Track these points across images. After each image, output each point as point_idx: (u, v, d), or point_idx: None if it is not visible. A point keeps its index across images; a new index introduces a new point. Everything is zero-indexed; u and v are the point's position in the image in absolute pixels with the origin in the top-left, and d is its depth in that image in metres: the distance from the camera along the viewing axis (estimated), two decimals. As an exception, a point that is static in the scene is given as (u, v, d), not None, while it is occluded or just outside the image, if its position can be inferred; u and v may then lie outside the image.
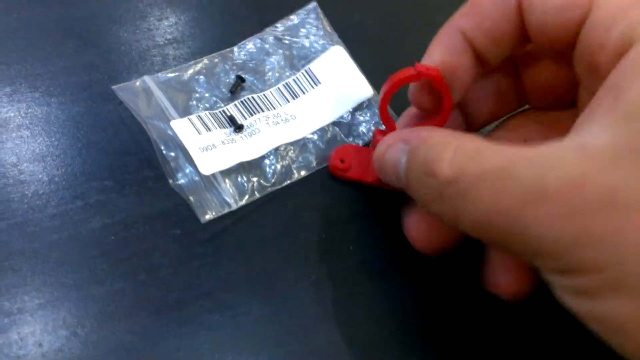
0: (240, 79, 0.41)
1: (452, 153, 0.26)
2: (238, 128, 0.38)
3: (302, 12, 0.45)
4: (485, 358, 0.34)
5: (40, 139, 0.37)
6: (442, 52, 0.31)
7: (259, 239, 0.36)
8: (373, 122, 0.41)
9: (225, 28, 0.44)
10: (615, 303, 0.22)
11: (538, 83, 0.33)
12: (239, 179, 0.37)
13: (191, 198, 0.36)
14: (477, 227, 0.25)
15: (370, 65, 0.43)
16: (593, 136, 0.23)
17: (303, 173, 0.39)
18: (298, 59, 0.43)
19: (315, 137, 0.40)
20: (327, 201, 0.38)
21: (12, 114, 0.38)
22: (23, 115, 0.38)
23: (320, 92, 0.42)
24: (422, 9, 0.47)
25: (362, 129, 0.41)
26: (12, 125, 0.37)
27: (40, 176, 0.36)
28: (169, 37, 0.43)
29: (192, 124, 0.38)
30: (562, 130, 0.27)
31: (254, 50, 0.43)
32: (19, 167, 0.36)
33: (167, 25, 0.43)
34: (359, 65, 0.43)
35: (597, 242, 0.21)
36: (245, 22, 0.44)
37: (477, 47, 0.31)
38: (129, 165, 0.37)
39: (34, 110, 0.38)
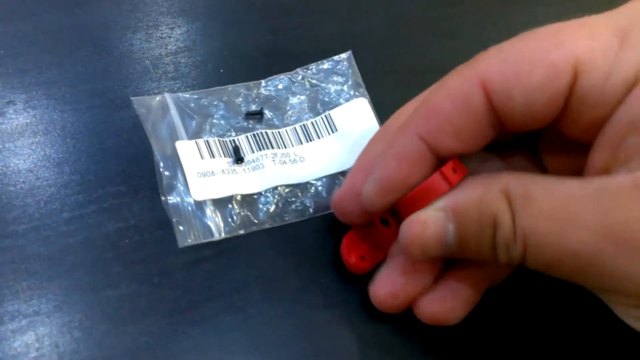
0: (260, 111, 0.41)
1: (506, 198, 0.25)
2: (238, 160, 0.38)
3: (336, 58, 0.45)
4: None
5: (56, 145, 0.38)
6: (400, 164, 0.29)
7: (271, 241, 0.36)
8: None
9: (257, 62, 0.44)
10: None
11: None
12: (229, 211, 0.37)
13: (174, 220, 0.36)
14: (550, 268, 0.26)
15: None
16: None
17: (297, 217, 0.37)
18: (321, 104, 0.43)
19: (319, 183, 0.39)
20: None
21: (28, 121, 0.39)
22: (39, 121, 0.39)
23: (335, 140, 0.41)
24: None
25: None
26: (28, 132, 0.38)
27: (55, 181, 0.36)
28: (181, 45, 0.44)
29: (198, 147, 0.38)
30: None
31: (281, 87, 0.43)
32: (34, 173, 0.37)
33: (179, 34, 0.44)
34: (381, 120, 0.42)
35: None
36: (277, 61, 0.44)
37: (441, 151, 0.28)
38: (143, 170, 0.38)
39: (49, 116, 0.39)
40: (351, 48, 0.45)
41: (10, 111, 0.39)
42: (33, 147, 0.38)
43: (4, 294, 0.32)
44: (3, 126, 0.38)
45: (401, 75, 0.46)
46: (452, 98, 0.27)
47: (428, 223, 0.28)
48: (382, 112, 0.43)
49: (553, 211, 0.24)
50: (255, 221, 0.37)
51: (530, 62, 0.26)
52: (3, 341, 0.31)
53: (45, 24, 0.43)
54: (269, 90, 0.42)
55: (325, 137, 0.41)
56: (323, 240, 0.37)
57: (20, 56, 0.41)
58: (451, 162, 0.29)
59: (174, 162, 0.38)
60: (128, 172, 0.37)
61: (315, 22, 0.47)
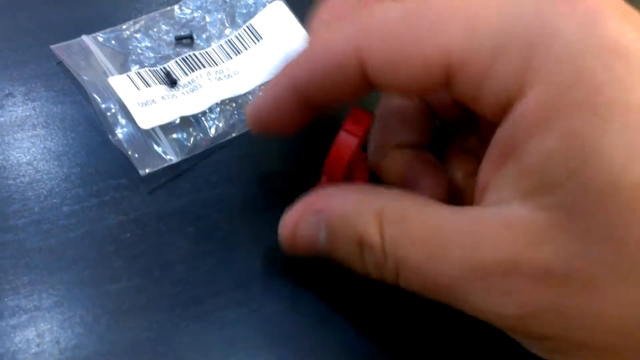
0: (190, 35, 0.42)
1: (378, 221, 0.26)
2: (172, 83, 0.39)
3: None
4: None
5: (56, 137, 0.38)
6: (270, 99, 0.30)
7: (273, 236, 0.36)
8: None
9: None
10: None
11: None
12: (180, 135, 0.38)
13: (130, 152, 0.36)
14: (425, 294, 0.26)
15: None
16: (511, 208, 0.23)
17: (245, 129, 0.39)
18: (240, 16, 0.44)
19: (258, 92, 0.41)
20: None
21: (28, 113, 0.38)
22: (38, 114, 0.38)
23: (262, 48, 0.42)
24: None
25: None
26: (27, 124, 0.38)
27: (55, 175, 0.36)
28: (181, 35, 0.43)
29: (131, 80, 0.39)
30: None
31: (195, 8, 0.44)
32: (34, 166, 0.36)
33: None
34: (300, 19, 0.43)
35: (539, 315, 0.23)
36: None
37: (313, 101, 0.29)
38: (143, 163, 0.37)
39: (48, 109, 0.39)
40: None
41: (9, 104, 0.38)
42: (32, 140, 0.37)
43: (4, 289, 0.32)
44: (2, 119, 0.38)
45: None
46: (329, 56, 0.27)
47: (300, 223, 0.29)
48: (299, 10, 0.43)
49: (425, 240, 0.24)
50: (207, 138, 0.38)
51: (405, 53, 0.25)
52: (3, 336, 0.31)
53: (45, 16, 0.42)
54: (185, 13, 0.43)
55: (252, 48, 0.42)
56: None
57: (20, 48, 0.41)
58: (351, 115, 0.30)
59: (112, 99, 0.38)
60: (129, 165, 0.37)
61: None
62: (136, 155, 0.36)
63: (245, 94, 0.41)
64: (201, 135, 0.38)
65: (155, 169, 0.36)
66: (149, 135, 0.37)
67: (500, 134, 0.25)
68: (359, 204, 0.27)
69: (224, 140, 0.39)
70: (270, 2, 0.44)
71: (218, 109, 0.40)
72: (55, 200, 0.35)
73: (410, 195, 0.27)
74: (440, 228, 0.24)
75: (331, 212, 0.28)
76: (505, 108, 0.24)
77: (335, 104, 0.29)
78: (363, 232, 0.26)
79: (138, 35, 0.42)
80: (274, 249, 0.35)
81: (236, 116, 0.40)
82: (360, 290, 0.35)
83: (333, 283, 0.35)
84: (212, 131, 0.39)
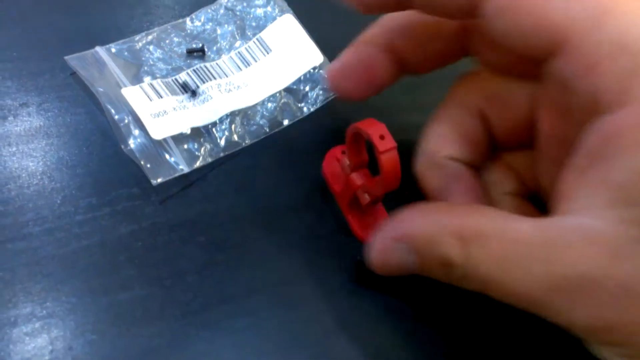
0: (201, 48, 0.43)
1: (459, 241, 0.26)
2: (192, 93, 0.40)
3: None
4: None
5: (69, 147, 0.38)
6: (359, 58, 0.33)
7: (282, 245, 0.37)
8: (322, 87, 0.43)
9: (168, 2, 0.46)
10: None
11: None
12: (191, 145, 0.39)
13: (142, 162, 0.37)
14: (512, 304, 0.26)
15: (321, 32, 0.45)
16: (592, 220, 0.23)
17: (254, 139, 0.40)
18: (250, 28, 0.45)
19: (268, 104, 0.42)
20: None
21: (42, 123, 0.39)
22: (52, 124, 0.39)
23: (271, 60, 0.43)
24: None
25: (313, 94, 0.43)
26: (41, 134, 0.38)
27: (69, 184, 0.37)
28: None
29: (144, 91, 0.40)
30: None
31: (206, 21, 0.45)
32: (48, 175, 0.37)
33: (190, 36, 0.44)
34: (309, 32, 0.45)
35: (620, 328, 0.23)
36: None
37: (404, 57, 0.32)
38: (155, 173, 0.38)
39: (63, 119, 0.39)
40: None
41: (24, 113, 0.39)
42: (46, 150, 0.38)
43: (18, 296, 0.33)
44: (17, 128, 0.38)
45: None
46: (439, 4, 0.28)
47: (387, 251, 0.30)
48: (309, 23, 0.45)
49: (505, 256, 0.25)
50: (217, 149, 0.39)
51: (529, 9, 0.25)
52: (17, 344, 0.31)
53: (58, 27, 0.43)
54: (195, 26, 0.44)
55: (261, 60, 0.43)
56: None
57: (34, 59, 0.41)
58: (371, 127, 0.31)
59: (125, 110, 0.39)
60: (141, 174, 0.37)
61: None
62: (148, 165, 0.37)
63: (254, 105, 0.41)
64: (211, 145, 0.39)
65: (167, 178, 0.37)
66: (160, 145, 0.38)
67: (589, 143, 0.25)
68: (440, 226, 0.27)
69: (233, 150, 0.39)
70: (279, 15, 0.45)
71: (228, 119, 0.40)
72: (68, 210, 0.36)
73: (485, 209, 0.28)
74: (519, 242, 0.25)
75: (416, 237, 0.28)
76: (594, 108, 0.24)
77: (428, 68, 0.31)
78: (446, 254, 0.27)
79: (150, 47, 0.42)
80: (284, 258, 0.36)
81: (246, 127, 0.40)
82: (369, 300, 0.35)
83: (343, 292, 0.35)
84: (222, 142, 0.39)
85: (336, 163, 0.39)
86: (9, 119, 0.39)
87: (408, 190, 0.40)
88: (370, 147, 0.32)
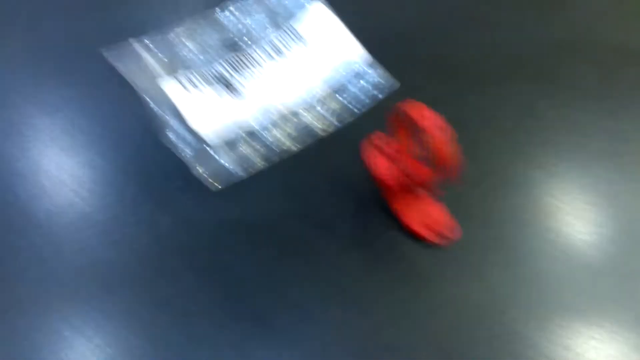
0: (235, 40, 0.42)
1: None
2: (228, 85, 0.39)
3: None
4: None
5: (111, 143, 0.38)
6: None
7: (343, 247, 0.35)
8: (366, 88, 0.41)
9: None
10: None
11: None
12: (243, 150, 0.37)
13: (183, 153, 0.36)
14: None
15: (358, 21, 0.43)
16: None
17: (306, 140, 0.38)
18: (281, 18, 0.43)
19: (316, 108, 0.40)
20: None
21: (82, 119, 0.38)
22: (92, 119, 0.39)
23: (306, 50, 0.42)
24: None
25: (362, 94, 0.41)
26: (82, 130, 0.38)
27: (113, 180, 0.36)
28: None
29: (181, 83, 0.39)
30: None
31: (236, 10, 0.43)
32: (88, 171, 0.36)
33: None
34: (344, 19, 0.43)
35: None
36: None
37: None
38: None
39: (103, 114, 0.39)
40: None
41: (64, 109, 0.39)
42: (86, 146, 0.38)
43: (69, 301, 0.32)
44: (57, 124, 0.38)
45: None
46: None
47: None
48: (343, 9, 0.43)
49: None
50: (269, 154, 0.38)
51: None
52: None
53: (90, 21, 0.43)
54: (226, 16, 0.43)
55: (295, 49, 0.42)
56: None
57: (70, 53, 0.41)
58: (412, 109, 0.30)
59: (164, 103, 0.38)
60: (185, 169, 0.37)
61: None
62: (189, 156, 0.36)
63: (300, 105, 0.40)
64: (265, 149, 0.38)
65: (224, 186, 0.36)
66: (210, 150, 0.37)
67: None
68: None
69: (286, 152, 0.38)
70: (309, 4, 0.44)
71: (277, 122, 0.39)
72: (110, 203, 0.35)
73: None
74: None
75: None
76: None
77: None
78: None
79: (184, 39, 0.42)
80: (337, 259, 0.35)
81: (295, 130, 0.39)
82: (439, 302, 0.34)
83: (406, 294, 0.34)
84: (276, 146, 0.38)
85: (378, 152, 0.38)
86: (49, 115, 0.38)
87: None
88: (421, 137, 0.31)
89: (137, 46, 0.41)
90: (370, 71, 0.42)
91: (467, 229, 0.36)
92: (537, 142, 0.42)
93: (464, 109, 0.42)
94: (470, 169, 0.37)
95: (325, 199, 0.37)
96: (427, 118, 0.29)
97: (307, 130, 0.40)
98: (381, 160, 0.37)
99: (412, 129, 0.33)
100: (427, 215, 0.36)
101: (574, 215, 0.38)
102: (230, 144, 0.38)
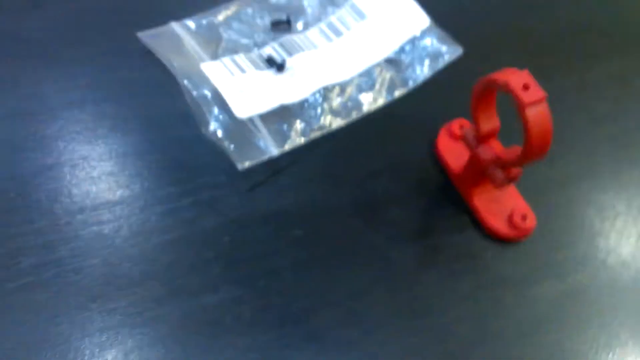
0: (287, 20, 0.38)
1: None
2: (279, 67, 0.35)
3: None
4: None
5: (145, 132, 0.34)
6: None
7: (391, 239, 0.31)
8: (427, 56, 0.36)
9: None
10: None
11: None
12: (280, 126, 0.33)
13: (226, 144, 0.32)
14: None
15: None
16: None
17: (354, 115, 0.34)
18: None
19: (366, 78, 0.36)
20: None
21: (116, 108, 0.35)
22: (126, 108, 0.35)
23: (367, 27, 0.38)
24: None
25: (419, 65, 0.36)
26: (115, 119, 0.34)
27: (146, 172, 0.32)
28: None
29: (226, 66, 0.35)
30: None
31: None
32: (122, 162, 0.32)
33: None
34: None
35: None
36: None
37: None
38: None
39: (139, 101, 0.35)
40: None
41: (97, 97, 0.35)
42: (120, 136, 0.34)
43: (95, 297, 0.28)
44: (89, 113, 0.34)
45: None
46: None
47: None
48: None
49: None
50: (311, 128, 0.34)
51: None
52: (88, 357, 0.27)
53: (129, 2, 0.39)
54: None
55: (355, 28, 0.38)
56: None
57: (105, 37, 0.37)
58: (513, 75, 0.25)
59: (205, 87, 0.34)
60: (226, 160, 0.32)
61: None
62: (233, 148, 0.32)
63: (350, 79, 0.36)
64: (304, 124, 0.34)
65: (255, 162, 0.32)
66: (246, 125, 0.33)
67: None
68: None
69: (329, 130, 0.34)
70: None
71: (321, 96, 0.35)
72: (146, 201, 0.31)
73: None
74: None
75: None
76: None
77: None
78: None
79: (231, 21, 0.38)
80: (394, 256, 0.30)
81: (342, 103, 0.35)
82: (507, 308, 0.29)
83: (472, 299, 0.29)
84: (316, 120, 0.34)
85: (453, 140, 0.33)
86: (82, 104, 0.34)
87: (555, 173, 0.33)
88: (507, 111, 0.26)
89: (178, 29, 0.37)
90: (431, 38, 0.37)
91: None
92: (632, 128, 0.36)
93: (546, 87, 0.36)
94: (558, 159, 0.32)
95: (380, 186, 0.32)
96: (526, 88, 0.24)
97: (353, 104, 0.35)
98: (456, 149, 0.32)
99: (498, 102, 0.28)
100: (507, 208, 0.31)
101: None
102: (266, 119, 0.33)
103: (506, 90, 0.25)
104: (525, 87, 0.24)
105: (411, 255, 0.30)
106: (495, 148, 0.29)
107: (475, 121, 0.29)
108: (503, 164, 0.28)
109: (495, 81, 0.25)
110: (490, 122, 0.29)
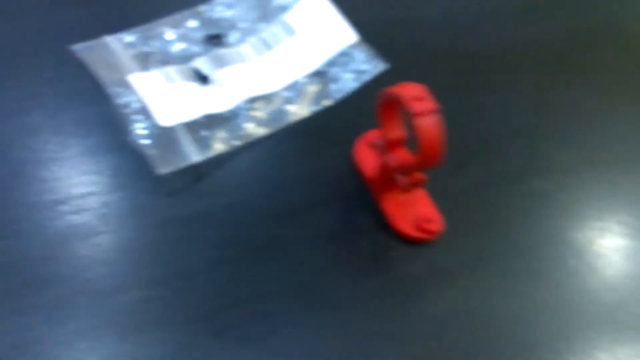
0: (219, 35, 0.39)
1: None
2: (202, 79, 0.36)
3: None
4: None
5: (75, 140, 0.35)
6: None
7: (306, 242, 0.32)
8: (353, 71, 0.38)
9: None
10: None
11: None
12: (204, 134, 0.34)
13: (148, 151, 0.33)
14: None
15: (355, 10, 0.40)
16: None
17: (278, 125, 0.36)
18: (274, 12, 0.40)
19: (291, 90, 0.37)
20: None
21: (47, 118, 0.36)
22: (58, 117, 0.36)
23: (297, 42, 0.39)
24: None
25: (344, 77, 0.38)
26: (47, 128, 0.35)
27: (71, 178, 0.33)
28: None
29: (154, 77, 0.36)
30: None
31: (225, 7, 0.41)
32: (51, 170, 0.33)
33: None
34: (341, 11, 0.40)
35: None
36: None
37: None
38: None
39: (69, 111, 0.36)
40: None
41: (30, 107, 0.36)
42: (49, 145, 0.34)
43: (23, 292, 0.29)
44: (23, 122, 0.35)
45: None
46: None
47: None
48: (340, 2, 0.41)
49: None
50: (233, 139, 0.35)
51: None
52: (-1, 352, 0.27)
53: (68, 17, 0.41)
54: (215, 11, 0.40)
55: (285, 43, 0.39)
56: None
57: (40, 51, 0.39)
58: (405, 89, 0.27)
59: (131, 97, 0.35)
60: (147, 166, 0.33)
61: None
62: (154, 154, 0.33)
63: (277, 91, 0.37)
64: (228, 133, 0.35)
65: (175, 168, 0.33)
66: (170, 133, 0.34)
67: None
68: None
69: (253, 139, 0.35)
70: None
71: (247, 106, 0.36)
72: (67, 207, 0.32)
73: None
74: None
75: None
76: None
77: None
78: None
79: (165, 35, 0.39)
80: (308, 257, 0.31)
81: (267, 114, 0.36)
82: (407, 305, 0.30)
83: (379, 296, 0.30)
84: (240, 129, 0.35)
85: (368, 148, 0.34)
86: (16, 114, 0.35)
87: (464, 180, 0.35)
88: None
89: (112, 42, 0.38)
90: (357, 53, 0.39)
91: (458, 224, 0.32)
92: (547, 137, 0.37)
93: (467, 100, 0.38)
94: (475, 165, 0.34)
95: (300, 192, 0.33)
96: (418, 99, 0.25)
97: (278, 115, 0.36)
98: (371, 157, 0.34)
99: (402, 113, 0.29)
100: (414, 212, 0.32)
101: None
102: (190, 127, 0.34)
103: (400, 102, 0.26)
104: (417, 99, 0.26)
105: (323, 256, 0.31)
106: (400, 155, 0.30)
107: (381, 129, 0.30)
108: (406, 170, 0.29)
109: (391, 93, 0.27)
110: (395, 131, 0.30)
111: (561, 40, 0.42)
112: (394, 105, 0.29)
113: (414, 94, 0.26)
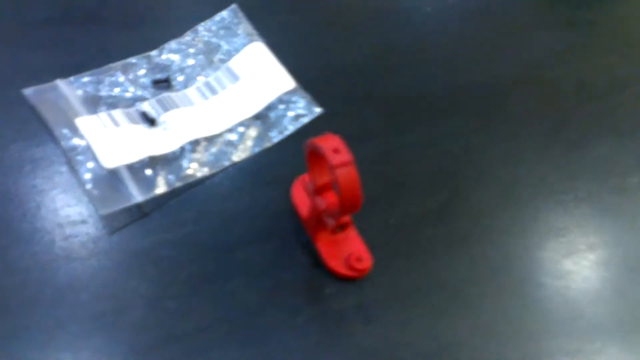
0: (166, 79, 0.42)
1: None
2: (151, 122, 0.38)
3: (222, 14, 0.46)
4: None
5: (23, 181, 0.36)
6: None
7: (242, 277, 0.33)
8: (295, 113, 0.41)
9: (145, 33, 0.45)
10: None
11: None
12: (147, 174, 0.36)
13: (92, 192, 0.35)
14: None
15: (293, 59, 0.44)
16: None
17: (220, 166, 0.38)
18: (219, 58, 0.43)
19: (234, 132, 0.40)
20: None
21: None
22: (6, 159, 0.37)
23: (239, 88, 0.42)
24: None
25: (283, 121, 0.41)
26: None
27: (20, 218, 0.34)
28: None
29: (101, 120, 0.38)
30: None
31: (174, 52, 0.43)
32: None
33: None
34: (280, 60, 0.43)
35: None
36: (167, 26, 0.45)
37: None
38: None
39: (18, 153, 0.37)
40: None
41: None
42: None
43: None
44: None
45: (291, 13, 0.48)
46: None
47: None
48: (281, 51, 0.44)
49: None
50: (176, 180, 0.37)
51: None
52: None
53: (22, 61, 0.42)
54: (164, 58, 0.43)
55: (229, 88, 0.42)
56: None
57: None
58: (325, 141, 0.29)
59: (79, 140, 0.37)
60: (92, 205, 0.35)
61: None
62: (97, 194, 0.35)
63: (219, 134, 0.39)
64: (171, 174, 0.37)
65: (117, 208, 0.34)
66: (114, 174, 0.36)
67: None
68: None
69: (194, 179, 0.37)
70: (249, 43, 0.44)
71: (189, 148, 0.38)
72: (11, 241, 0.33)
73: None
74: None
75: None
76: None
77: None
78: None
79: (114, 79, 0.41)
80: (243, 292, 0.33)
81: (208, 155, 0.38)
82: (338, 338, 0.32)
83: (309, 329, 0.32)
84: (182, 170, 0.37)
85: (303, 189, 0.36)
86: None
87: (394, 218, 0.37)
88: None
89: (62, 86, 0.40)
90: (295, 99, 0.41)
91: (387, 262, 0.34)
92: (469, 179, 0.40)
93: (395, 139, 0.41)
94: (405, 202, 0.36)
95: (238, 230, 0.35)
96: (336, 152, 0.28)
97: (220, 156, 0.38)
98: (306, 198, 0.36)
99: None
100: (345, 250, 0.34)
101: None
102: (133, 168, 0.36)
103: (319, 153, 0.28)
104: (336, 151, 0.28)
105: (261, 291, 0.33)
106: (327, 199, 0.32)
107: (309, 175, 0.32)
108: (332, 214, 0.32)
109: (313, 144, 0.29)
110: (323, 177, 0.33)
111: (483, 86, 0.46)
112: (319, 154, 0.31)
113: (333, 145, 0.28)
